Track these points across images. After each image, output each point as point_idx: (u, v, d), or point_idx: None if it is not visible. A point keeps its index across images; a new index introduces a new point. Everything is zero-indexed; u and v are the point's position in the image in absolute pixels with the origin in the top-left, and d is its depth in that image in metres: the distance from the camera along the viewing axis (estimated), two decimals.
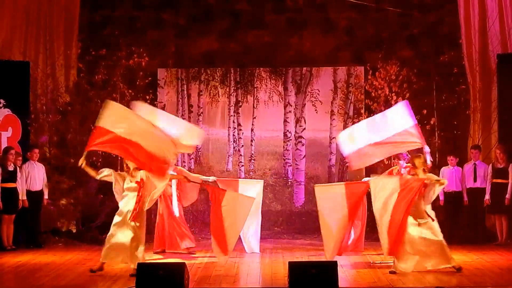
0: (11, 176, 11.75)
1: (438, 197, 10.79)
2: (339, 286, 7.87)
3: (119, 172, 9.72)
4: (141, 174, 9.25)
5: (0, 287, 9.01)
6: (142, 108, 10.20)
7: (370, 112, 13.25)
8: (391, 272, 9.24)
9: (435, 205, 10.15)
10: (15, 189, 11.78)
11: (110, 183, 9.43)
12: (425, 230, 9.29)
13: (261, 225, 11.35)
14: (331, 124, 13.61)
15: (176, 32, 13.75)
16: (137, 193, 9.21)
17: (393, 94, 12.95)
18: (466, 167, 12.21)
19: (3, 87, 12.44)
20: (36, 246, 11.92)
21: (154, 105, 13.39)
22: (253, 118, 13.74)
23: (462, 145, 12.96)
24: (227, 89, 13.78)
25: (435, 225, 9.37)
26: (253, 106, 13.75)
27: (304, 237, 12.92)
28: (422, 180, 9.30)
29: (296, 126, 13.67)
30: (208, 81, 13.81)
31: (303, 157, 13.64)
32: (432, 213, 9.45)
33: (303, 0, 13.68)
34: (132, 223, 9.17)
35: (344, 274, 9.23)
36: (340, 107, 13.63)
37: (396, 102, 12.93)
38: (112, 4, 13.62)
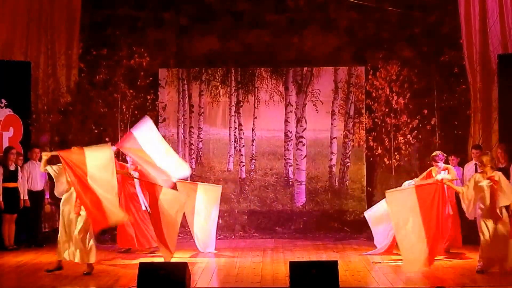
0: (13, 176, 11.78)
1: None
2: (340, 286, 7.89)
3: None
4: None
5: (2, 286, 9.02)
6: (145, 134, 10.41)
7: (371, 112, 13.28)
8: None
9: None
10: (16, 189, 11.81)
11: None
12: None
13: (262, 225, 11.33)
14: (332, 124, 13.61)
15: (177, 32, 13.75)
16: None
17: (394, 94, 12.98)
18: (467, 167, 12.19)
19: (4, 87, 12.45)
20: (37, 245, 11.94)
21: (155, 105, 13.48)
22: (254, 118, 13.73)
23: (463, 145, 12.96)
24: (228, 89, 13.78)
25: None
26: (254, 106, 13.75)
27: (305, 236, 12.96)
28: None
29: (297, 126, 13.67)
30: (209, 81, 13.81)
31: (304, 157, 13.64)
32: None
33: (304, 0, 13.70)
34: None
35: (344, 274, 9.26)
36: (341, 107, 13.63)
37: (396, 101, 12.98)
38: (113, 4, 13.61)
